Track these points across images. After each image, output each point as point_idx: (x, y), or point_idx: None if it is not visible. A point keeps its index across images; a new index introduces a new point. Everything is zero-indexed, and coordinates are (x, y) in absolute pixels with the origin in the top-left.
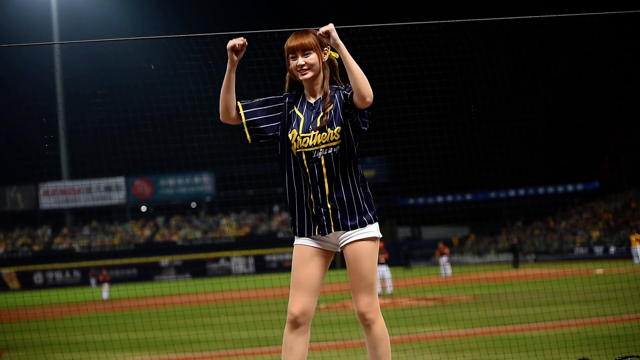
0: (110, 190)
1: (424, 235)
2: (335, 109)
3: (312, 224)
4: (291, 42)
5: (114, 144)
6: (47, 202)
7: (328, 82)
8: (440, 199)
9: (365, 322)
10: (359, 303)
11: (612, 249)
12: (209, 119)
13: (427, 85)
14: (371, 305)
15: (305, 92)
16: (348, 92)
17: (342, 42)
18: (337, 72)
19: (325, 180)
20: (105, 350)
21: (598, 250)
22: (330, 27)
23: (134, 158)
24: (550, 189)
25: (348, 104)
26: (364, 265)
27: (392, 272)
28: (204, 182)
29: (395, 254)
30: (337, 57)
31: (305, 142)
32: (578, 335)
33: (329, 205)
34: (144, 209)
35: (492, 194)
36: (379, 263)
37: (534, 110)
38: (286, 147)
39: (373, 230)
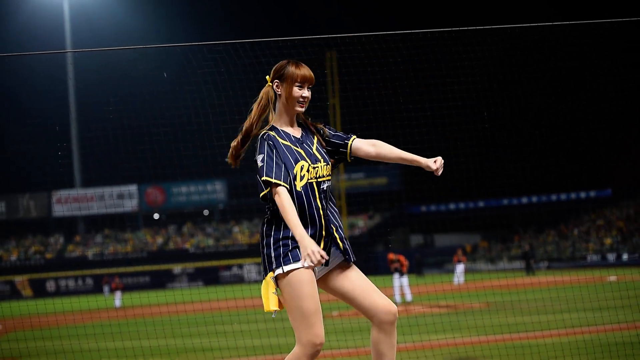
0: (122, 197)
1: (437, 242)
2: (322, 144)
3: (335, 250)
4: (305, 71)
5: (126, 151)
6: (59, 210)
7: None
8: (452, 206)
9: (391, 325)
10: (386, 300)
11: (625, 256)
12: (221, 127)
13: (440, 92)
14: (393, 306)
15: (282, 126)
16: (330, 136)
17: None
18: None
19: (330, 212)
20: (118, 358)
21: (611, 257)
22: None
23: (147, 166)
24: (563, 196)
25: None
26: (365, 277)
27: (408, 278)
28: (217, 189)
29: (408, 261)
30: None
31: (317, 173)
32: (591, 343)
33: (338, 237)
34: (156, 216)
35: (505, 201)
36: (401, 273)
37: (547, 117)
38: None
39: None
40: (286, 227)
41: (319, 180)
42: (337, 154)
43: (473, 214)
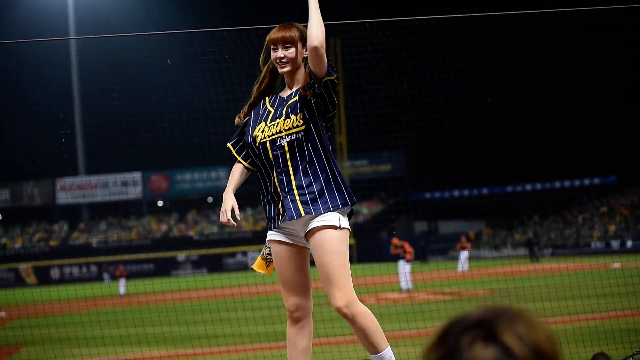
0: (126, 185)
1: (441, 229)
2: (299, 95)
3: (280, 212)
4: (274, 33)
5: (130, 139)
6: (64, 197)
7: (304, 77)
8: (456, 193)
9: (346, 317)
10: (331, 299)
11: (629, 243)
12: (225, 114)
13: (444, 79)
14: (344, 297)
15: (282, 89)
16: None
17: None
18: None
19: (290, 167)
20: (123, 345)
21: (615, 244)
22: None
23: (151, 153)
24: (567, 183)
25: (310, 77)
26: (327, 255)
27: (411, 266)
28: (221, 176)
29: (412, 248)
30: None
31: (269, 130)
32: (595, 329)
33: (295, 192)
34: (160, 203)
35: (509, 188)
36: (405, 260)
37: (552, 104)
38: (252, 142)
39: (332, 219)
40: (263, 195)
41: (273, 137)
42: (316, 81)
43: (477, 200)
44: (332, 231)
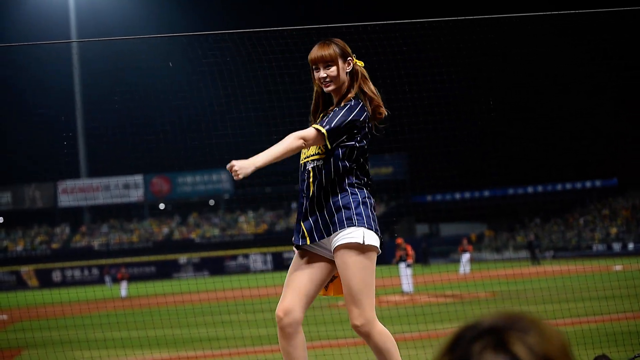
0: (128, 188)
1: (443, 232)
2: None
3: (296, 233)
4: (313, 53)
5: (132, 141)
6: (65, 200)
7: (352, 93)
8: (458, 195)
9: (361, 335)
10: (349, 315)
11: (630, 246)
12: (227, 116)
13: (445, 82)
14: (361, 316)
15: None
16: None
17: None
18: (366, 81)
19: (312, 191)
20: (124, 348)
21: (616, 246)
22: (236, 167)
23: (152, 155)
24: (569, 185)
25: None
26: (348, 273)
27: (412, 269)
28: (222, 179)
29: (414, 251)
30: (362, 65)
31: (303, 153)
32: (597, 332)
33: (309, 217)
34: (162, 206)
35: (510, 191)
36: (407, 264)
37: (553, 107)
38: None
39: (357, 235)
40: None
41: (304, 160)
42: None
43: (478, 203)
44: (354, 249)
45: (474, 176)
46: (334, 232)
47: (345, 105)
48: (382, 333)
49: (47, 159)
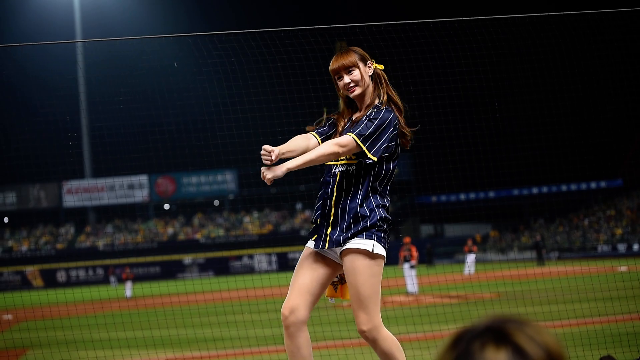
0: (133, 188)
1: (447, 232)
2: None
3: (313, 233)
4: (333, 64)
5: (136, 142)
6: (70, 200)
7: (375, 96)
8: (463, 196)
9: (367, 340)
10: (356, 320)
11: (635, 246)
12: (232, 117)
13: (450, 82)
14: (369, 322)
15: (355, 111)
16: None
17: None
18: (388, 84)
19: (335, 195)
20: (129, 348)
21: (621, 247)
22: (265, 171)
23: (157, 156)
24: (573, 186)
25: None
26: (358, 279)
27: (416, 269)
28: (227, 179)
29: (419, 251)
30: (382, 68)
31: None
32: (602, 333)
33: (330, 222)
34: (166, 206)
35: (515, 191)
36: (411, 265)
37: (557, 107)
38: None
39: (367, 243)
40: (316, 206)
41: (330, 164)
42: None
43: (483, 204)
44: (364, 256)
45: (479, 177)
46: (350, 238)
47: (372, 112)
48: (388, 338)
49: (52, 159)
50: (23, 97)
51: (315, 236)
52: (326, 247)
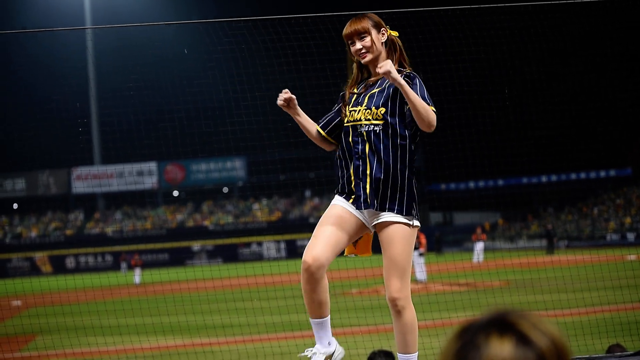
0: (142, 175)
1: (456, 221)
2: (386, 90)
3: (351, 193)
4: (346, 30)
5: (146, 129)
6: (79, 187)
7: (395, 62)
8: (472, 184)
9: (396, 308)
10: (390, 288)
11: None
12: (241, 104)
13: (460, 69)
14: (402, 291)
15: (369, 75)
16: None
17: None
18: (402, 52)
19: (367, 156)
20: (138, 334)
21: (630, 236)
22: (388, 66)
23: (166, 143)
24: (583, 175)
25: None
26: (396, 248)
27: (425, 257)
28: (236, 167)
29: (428, 239)
30: (397, 35)
31: (352, 116)
32: (611, 321)
33: (368, 182)
34: (175, 193)
35: (524, 180)
36: (419, 253)
37: (567, 95)
38: (341, 122)
39: (410, 219)
40: (341, 168)
41: (355, 123)
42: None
43: (493, 192)
44: (404, 227)
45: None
46: (390, 211)
47: (415, 79)
48: (413, 312)
49: (61, 146)
50: (33, 84)
51: (345, 194)
52: (366, 207)
